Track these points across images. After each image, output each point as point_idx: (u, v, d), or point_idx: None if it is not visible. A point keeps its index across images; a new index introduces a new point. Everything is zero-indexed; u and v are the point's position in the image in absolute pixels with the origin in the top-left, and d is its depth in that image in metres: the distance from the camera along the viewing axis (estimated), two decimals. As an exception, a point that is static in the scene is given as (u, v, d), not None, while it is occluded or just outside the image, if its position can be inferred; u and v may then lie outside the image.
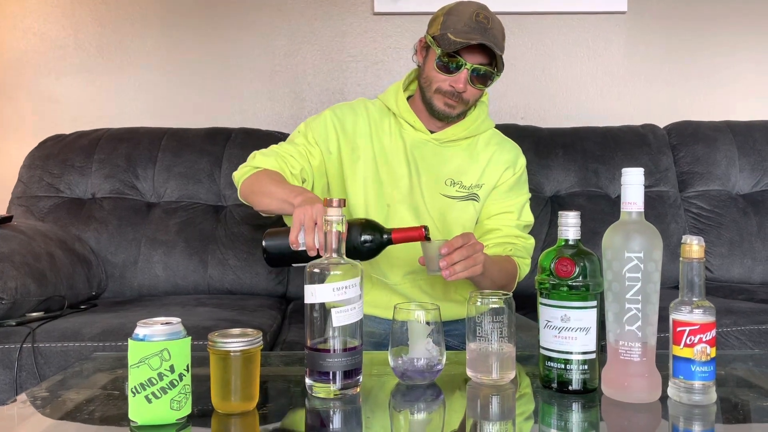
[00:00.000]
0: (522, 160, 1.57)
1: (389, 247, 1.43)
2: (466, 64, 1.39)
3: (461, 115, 1.49)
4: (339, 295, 0.97)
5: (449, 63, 1.39)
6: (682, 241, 0.93)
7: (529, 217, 1.54)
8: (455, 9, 1.42)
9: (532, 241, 1.53)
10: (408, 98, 1.54)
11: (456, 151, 1.52)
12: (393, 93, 1.53)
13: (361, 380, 1.00)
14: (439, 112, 1.45)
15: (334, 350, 0.97)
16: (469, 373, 1.05)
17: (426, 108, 1.48)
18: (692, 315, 0.92)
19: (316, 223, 1.14)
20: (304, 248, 1.15)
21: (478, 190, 1.51)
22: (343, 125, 1.50)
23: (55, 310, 1.77)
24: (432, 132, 1.51)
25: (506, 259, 1.45)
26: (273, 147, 1.48)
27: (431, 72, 1.43)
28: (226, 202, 2.25)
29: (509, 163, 1.54)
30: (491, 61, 1.40)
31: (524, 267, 1.49)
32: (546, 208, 2.22)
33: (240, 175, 1.44)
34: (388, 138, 1.51)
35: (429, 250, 1.22)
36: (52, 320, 1.68)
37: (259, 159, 1.44)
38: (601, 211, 2.19)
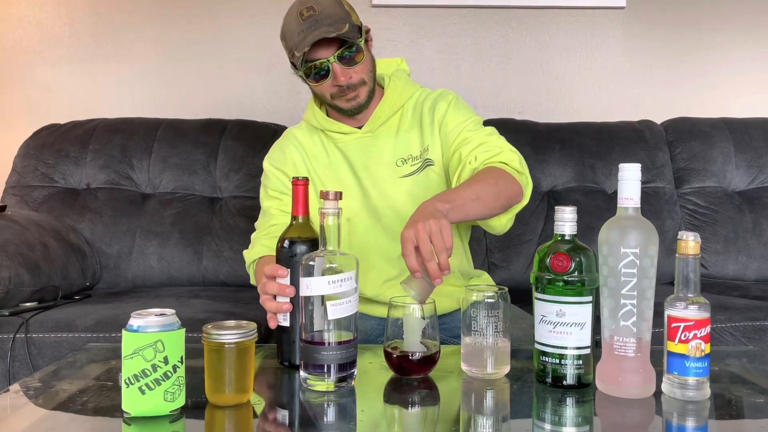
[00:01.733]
0: (450, 93, 1.48)
1: (361, 263, 1.42)
2: (328, 60, 1.33)
3: (372, 94, 1.43)
4: (334, 288, 0.97)
5: (315, 72, 1.35)
6: (678, 237, 0.93)
7: (484, 128, 1.40)
8: (285, 26, 1.37)
9: (499, 138, 1.36)
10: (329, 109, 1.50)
11: (390, 133, 1.46)
12: (310, 111, 1.50)
13: (355, 373, 1.00)
14: (352, 110, 1.41)
15: (329, 343, 0.97)
16: (464, 367, 1.05)
17: (340, 114, 1.45)
18: (687, 311, 0.92)
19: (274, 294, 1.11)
20: (285, 323, 1.09)
21: (428, 154, 1.45)
22: (282, 169, 1.49)
23: (49, 301, 1.76)
24: (361, 127, 1.46)
25: (488, 172, 1.27)
26: (255, 234, 1.49)
27: (315, 88, 1.40)
28: (222, 193, 2.24)
29: (437, 101, 1.45)
30: (344, 40, 1.32)
31: (509, 159, 1.31)
32: (542, 203, 2.22)
33: (248, 269, 1.46)
34: (324, 155, 1.48)
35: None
36: (46, 310, 1.67)
37: (247, 254, 1.45)
38: (598, 206, 2.19)
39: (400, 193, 1.44)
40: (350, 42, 1.32)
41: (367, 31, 1.41)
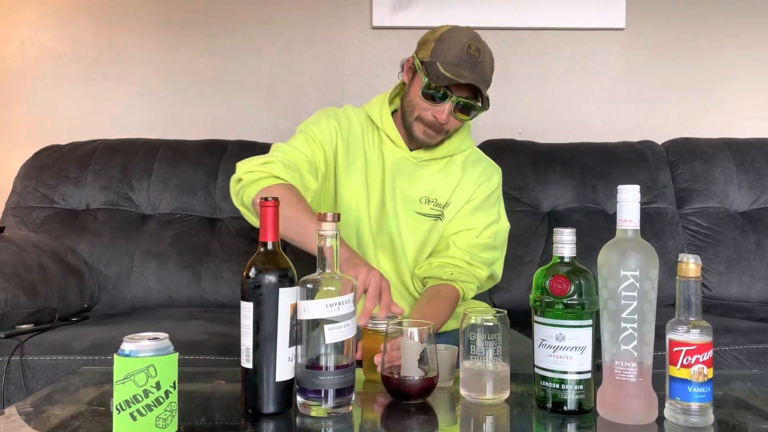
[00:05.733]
0: (496, 178, 1.54)
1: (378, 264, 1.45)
2: (451, 97, 1.37)
3: (440, 143, 1.48)
4: (332, 312, 0.95)
5: (435, 93, 1.37)
6: (679, 260, 0.92)
7: (489, 239, 1.48)
8: (447, 36, 1.38)
9: (484, 273, 1.47)
10: (394, 112, 1.53)
11: (432, 170, 1.51)
12: (378, 106, 1.51)
13: (353, 398, 0.98)
14: (417, 140, 1.45)
15: (327, 368, 0.95)
16: (463, 392, 1.03)
17: (406, 130, 1.47)
18: (689, 335, 0.90)
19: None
20: (248, 364, 0.95)
21: (446, 209, 1.49)
22: (341, 125, 1.48)
23: (46, 323, 1.75)
24: (411, 150, 1.50)
25: (439, 300, 1.40)
26: (284, 155, 1.37)
27: (416, 98, 1.41)
28: (221, 214, 2.23)
29: (482, 179, 1.52)
30: (476, 94, 1.39)
31: (469, 292, 1.46)
32: (543, 223, 2.21)
33: (251, 180, 1.32)
34: (370, 149, 1.50)
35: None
36: (42, 333, 1.66)
37: (278, 169, 1.32)
38: (598, 227, 2.17)
39: (407, 223, 1.48)
40: (477, 101, 1.39)
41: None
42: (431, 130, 1.42)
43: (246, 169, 1.34)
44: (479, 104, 1.40)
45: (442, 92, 1.37)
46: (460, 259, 1.46)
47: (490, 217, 1.51)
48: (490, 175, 1.53)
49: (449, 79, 1.33)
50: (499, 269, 1.55)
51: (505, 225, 1.54)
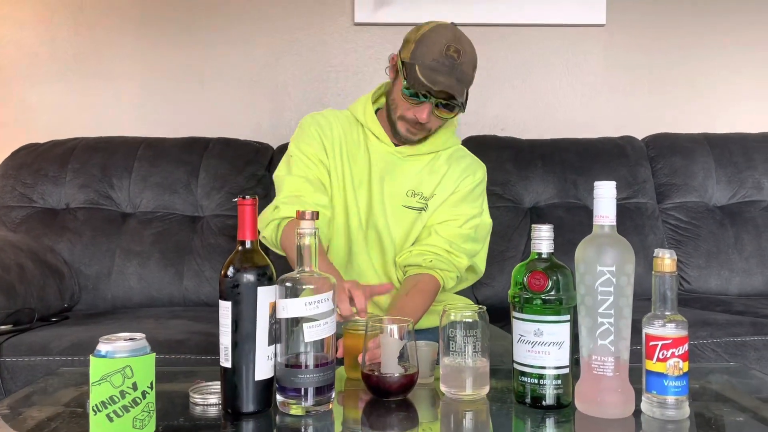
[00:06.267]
0: (481, 173, 1.57)
1: (358, 266, 1.48)
2: (430, 98, 1.38)
3: (423, 139, 1.50)
4: (311, 310, 0.95)
5: (414, 93, 1.38)
6: (654, 255, 0.93)
7: (471, 230, 1.50)
8: (427, 37, 1.38)
9: (464, 261, 1.48)
10: (377, 110, 1.55)
11: (418, 165, 1.53)
12: (362, 104, 1.55)
13: (333, 396, 0.98)
14: (401, 136, 1.48)
15: (306, 366, 0.95)
16: (443, 388, 1.03)
17: (390, 126, 1.49)
18: (665, 329, 0.91)
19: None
20: (227, 363, 0.95)
21: (431, 201, 1.52)
22: (323, 130, 1.51)
23: (25, 323, 1.73)
24: (396, 145, 1.52)
25: (417, 292, 1.42)
26: (288, 190, 1.45)
27: (398, 97, 1.43)
28: (203, 212, 2.22)
29: (467, 173, 1.54)
30: (457, 94, 1.39)
31: (448, 281, 1.47)
32: (525, 219, 2.22)
33: (272, 229, 1.43)
34: (355, 147, 1.52)
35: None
36: (21, 333, 1.64)
37: (285, 210, 1.41)
38: (580, 222, 2.19)
39: (394, 216, 1.50)
40: (457, 100, 1.39)
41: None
42: (413, 128, 1.45)
43: (263, 224, 1.44)
44: (458, 104, 1.40)
45: (418, 93, 1.38)
46: (440, 247, 1.46)
47: (473, 209, 1.53)
48: (474, 171, 1.55)
49: (425, 85, 1.35)
50: (481, 263, 1.56)
51: (487, 220, 1.56)
